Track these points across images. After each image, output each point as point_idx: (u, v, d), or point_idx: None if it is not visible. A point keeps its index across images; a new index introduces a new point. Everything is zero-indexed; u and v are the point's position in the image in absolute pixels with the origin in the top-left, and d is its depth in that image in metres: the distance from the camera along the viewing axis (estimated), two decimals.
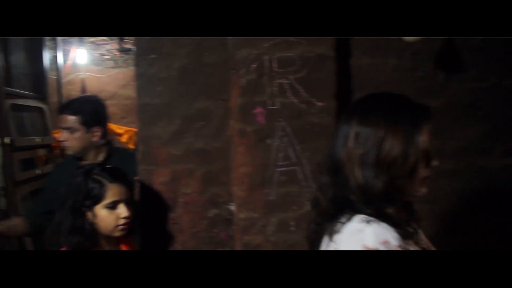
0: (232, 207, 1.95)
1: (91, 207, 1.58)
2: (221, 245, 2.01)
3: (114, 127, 3.89)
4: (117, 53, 5.12)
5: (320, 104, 1.86)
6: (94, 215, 1.58)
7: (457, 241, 1.95)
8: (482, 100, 2.10)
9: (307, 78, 1.86)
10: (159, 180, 1.98)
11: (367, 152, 1.04)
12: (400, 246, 0.99)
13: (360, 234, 0.99)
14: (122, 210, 1.60)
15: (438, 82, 2.07)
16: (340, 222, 1.05)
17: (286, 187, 1.85)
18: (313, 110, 1.85)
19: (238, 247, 1.91)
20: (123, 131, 3.97)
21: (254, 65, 1.84)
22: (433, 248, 1.20)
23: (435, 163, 1.10)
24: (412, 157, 1.04)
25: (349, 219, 1.04)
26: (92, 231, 1.58)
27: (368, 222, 1.00)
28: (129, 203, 1.63)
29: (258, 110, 1.84)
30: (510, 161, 2.15)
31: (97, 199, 1.58)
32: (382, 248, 0.97)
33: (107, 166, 1.70)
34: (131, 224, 1.64)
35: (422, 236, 1.19)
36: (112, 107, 5.24)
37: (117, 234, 1.61)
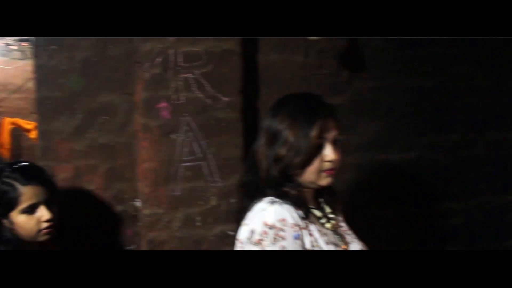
0: (138, 203, 1.92)
1: (5, 214, 1.41)
2: (127, 243, 1.97)
3: (22, 122, 3.68)
4: (25, 44, 4.76)
5: (225, 99, 1.87)
6: (12, 222, 1.41)
7: (360, 233, 2.03)
8: (383, 97, 2.22)
9: (212, 73, 1.86)
10: (61, 176, 1.90)
11: (270, 145, 1.20)
12: (296, 224, 1.14)
13: (262, 213, 1.14)
14: (43, 213, 1.42)
15: (342, 79, 2.15)
16: (254, 202, 1.20)
17: (191, 182, 1.85)
18: (219, 105, 1.86)
19: (143, 244, 1.88)
20: (31, 127, 3.76)
21: (159, 59, 1.82)
22: (353, 235, 1.33)
23: (328, 157, 1.18)
24: (303, 151, 1.16)
25: (260, 200, 1.19)
26: (14, 239, 1.41)
27: (272, 203, 1.16)
28: (50, 204, 1.46)
29: (163, 104, 1.82)
30: (408, 155, 2.28)
31: (11, 205, 1.40)
32: (279, 225, 1.11)
33: (19, 164, 1.50)
34: (56, 227, 1.47)
35: (342, 222, 1.36)
36: (19, 101, 4.95)
37: (42, 239, 1.45)
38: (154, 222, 1.84)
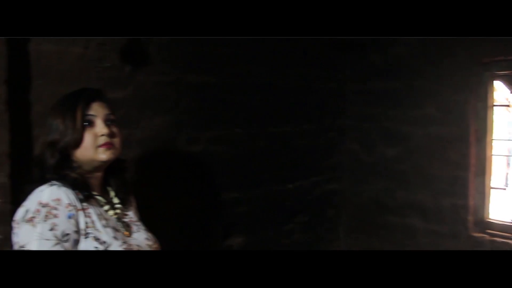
0: None
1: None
2: None
3: None
4: None
5: None
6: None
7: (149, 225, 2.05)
8: (167, 93, 2.27)
9: None
10: None
11: (48, 136, 1.34)
12: (71, 205, 1.24)
13: (39, 193, 1.23)
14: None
15: (125, 74, 2.13)
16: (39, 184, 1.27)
17: None
18: None
19: None
20: None
21: None
22: (141, 226, 1.47)
23: (100, 132, 1.32)
24: (71, 131, 1.30)
25: (42, 183, 1.27)
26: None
27: (51, 185, 1.25)
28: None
29: None
30: (193, 149, 2.38)
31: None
32: (52, 204, 1.20)
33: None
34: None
35: (131, 212, 1.49)
36: None
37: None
38: None
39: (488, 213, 2.82)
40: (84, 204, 1.29)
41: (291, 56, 2.90)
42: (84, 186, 1.32)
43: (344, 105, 3.36)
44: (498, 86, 2.85)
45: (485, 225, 2.76)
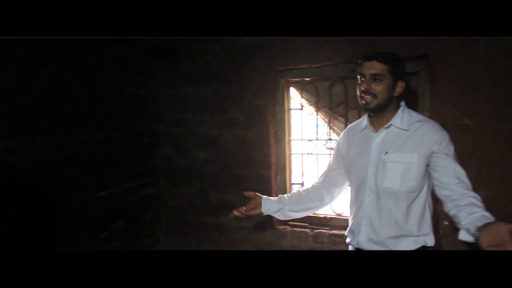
0: None
1: None
2: None
3: None
4: None
5: None
6: None
7: None
8: None
9: None
10: None
11: None
12: None
13: None
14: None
15: None
16: None
17: None
18: None
19: None
20: None
21: None
22: None
23: None
24: None
25: None
26: None
27: None
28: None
29: None
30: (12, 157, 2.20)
31: None
32: None
33: None
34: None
35: None
36: None
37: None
38: None
39: None
40: None
41: (101, 62, 2.84)
42: None
43: (157, 111, 3.41)
44: (293, 92, 3.18)
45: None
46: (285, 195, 2.12)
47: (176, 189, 3.42)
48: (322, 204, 2.13)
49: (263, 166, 3.06)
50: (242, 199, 2.09)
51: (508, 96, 2.31)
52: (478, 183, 2.27)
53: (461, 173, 1.75)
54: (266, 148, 3.05)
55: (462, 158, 2.36)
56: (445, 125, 2.44)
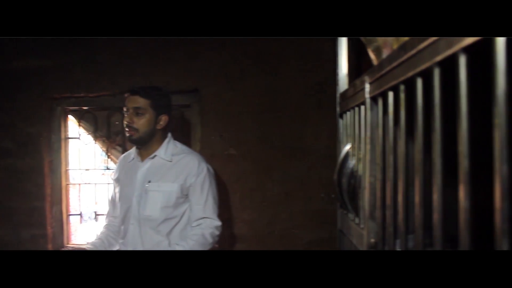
0: None
1: None
2: None
3: None
4: None
5: None
6: None
7: None
8: None
9: None
10: None
11: None
12: None
13: None
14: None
15: None
16: None
17: None
18: None
19: None
20: None
21: None
22: None
23: None
24: None
25: None
26: None
27: None
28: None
29: None
30: None
31: None
32: None
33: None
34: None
35: None
36: None
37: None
38: None
39: (69, 239, 3.01)
40: None
41: None
42: None
43: None
44: (71, 120, 3.10)
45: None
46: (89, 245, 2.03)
47: None
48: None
49: (36, 197, 2.90)
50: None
51: (267, 129, 2.67)
52: (243, 206, 2.58)
53: (210, 204, 1.91)
54: (40, 178, 2.90)
55: (229, 184, 2.66)
56: (214, 154, 2.72)
